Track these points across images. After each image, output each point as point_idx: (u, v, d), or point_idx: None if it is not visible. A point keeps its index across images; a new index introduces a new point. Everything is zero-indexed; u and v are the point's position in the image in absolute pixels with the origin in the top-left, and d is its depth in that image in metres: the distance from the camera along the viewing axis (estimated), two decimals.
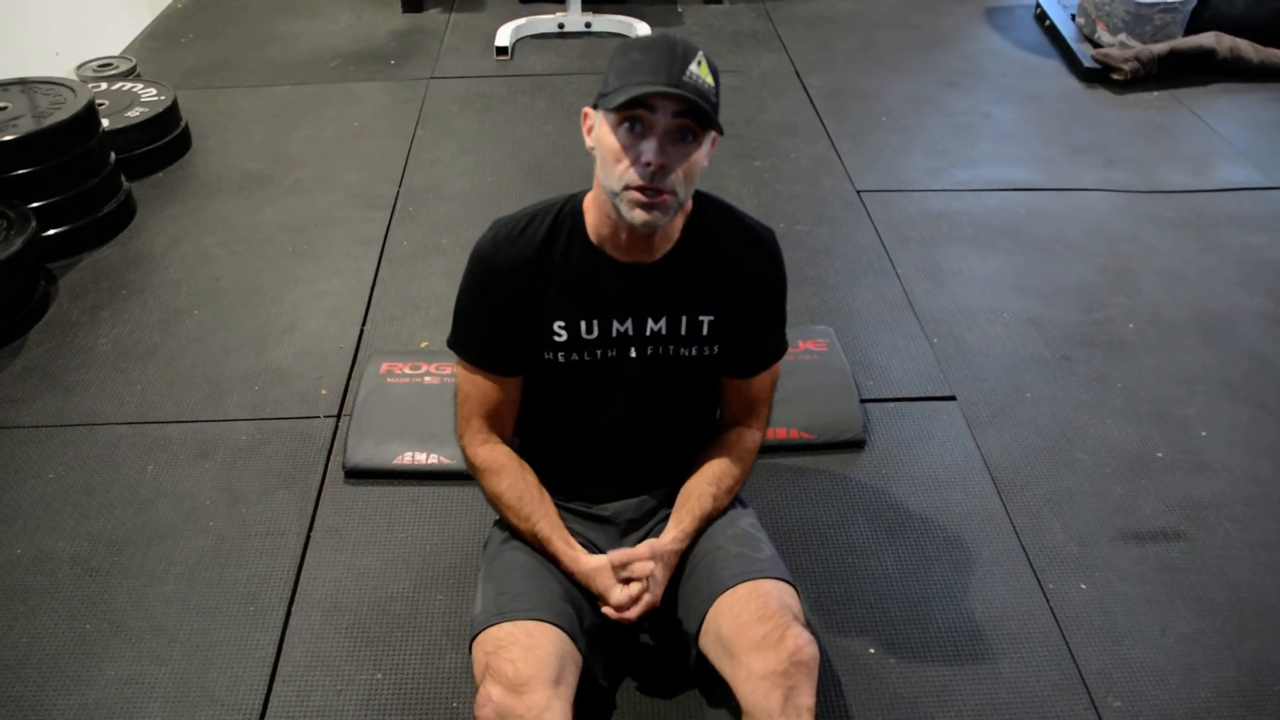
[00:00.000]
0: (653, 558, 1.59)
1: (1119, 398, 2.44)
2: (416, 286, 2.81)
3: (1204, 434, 2.34)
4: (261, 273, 2.86)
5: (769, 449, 2.23)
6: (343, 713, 1.72)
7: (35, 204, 2.79)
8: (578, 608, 1.60)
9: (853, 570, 1.99)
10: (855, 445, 2.28)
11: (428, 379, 2.34)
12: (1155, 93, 4.00)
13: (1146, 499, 2.17)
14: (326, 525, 2.08)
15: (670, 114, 1.36)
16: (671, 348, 1.63)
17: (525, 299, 1.57)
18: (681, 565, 1.66)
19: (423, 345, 2.57)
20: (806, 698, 1.43)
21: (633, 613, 1.58)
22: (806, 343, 2.45)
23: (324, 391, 2.43)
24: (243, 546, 2.03)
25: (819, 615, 1.89)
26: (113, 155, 3.09)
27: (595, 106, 1.45)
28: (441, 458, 2.17)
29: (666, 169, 1.38)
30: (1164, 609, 1.93)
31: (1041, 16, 4.66)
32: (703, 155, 1.44)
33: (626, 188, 1.40)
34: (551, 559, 1.63)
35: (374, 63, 4.26)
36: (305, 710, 1.72)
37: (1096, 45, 4.24)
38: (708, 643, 1.56)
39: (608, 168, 1.43)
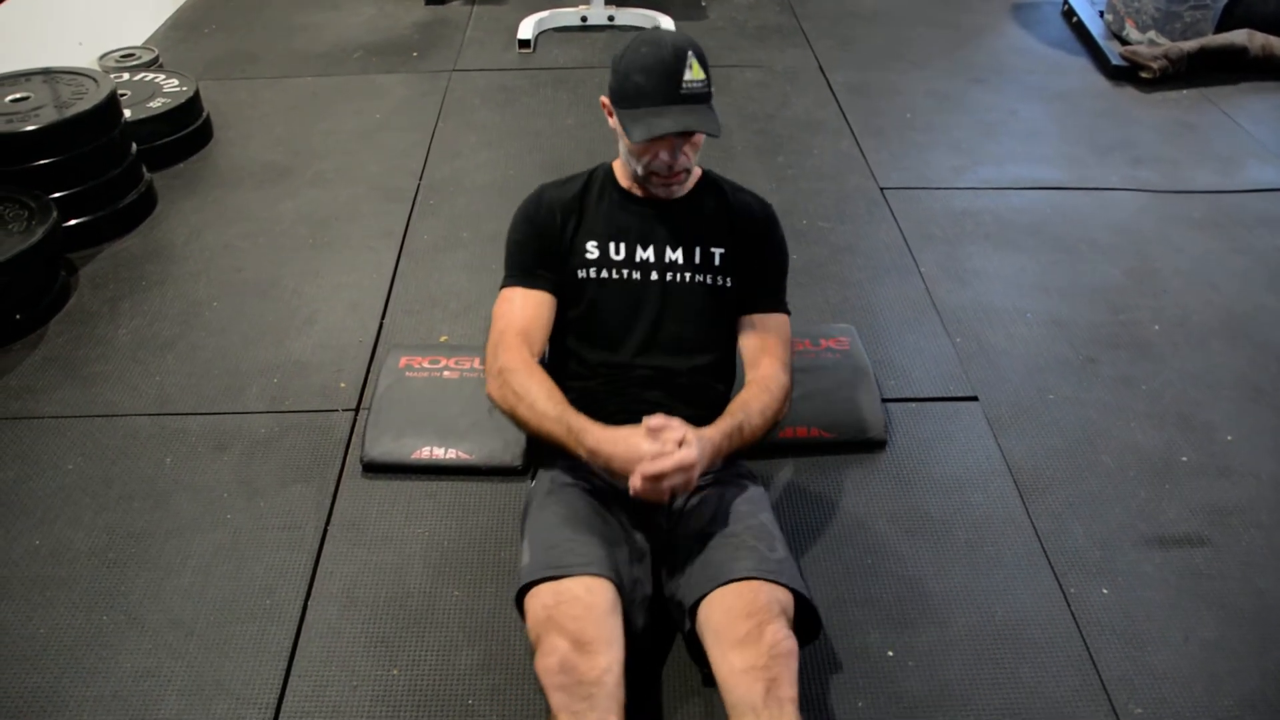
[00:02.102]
0: (692, 439, 1.61)
1: (1144, 400, 2.41)
2: (436, 280, 2.80)
3: (1230, 438, 2.31)
4: (281, 265, 2.87)
5: (789, 448, 2.22)
6: (358, 709, 1.71)
7: (57, 194, 2.80)
8: (619, 554, 1.67)
9: (872, 571, 1.97)
10: (876, 445, 2.25)
11: (447, 373, 2.34)
12: (1184, 91, 3.95)
13: (1170, 503, 2.14)
14: (344, 519, 2.07)
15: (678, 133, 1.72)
16: (688, 275, 1.87)
17: (565, 225, 1.87)
18: (698, 537, 1.71)
19: (442, 339, 2.57)
20: (789, 688, 1.48)
21: (663, 478, 1.56)
22: (828, 341, 2.43)
23: (343, 385, 2.42)
24: (260, 540, 2.03)
25: (838, 616, 1.87)
26: (134, 146, 3.10)
27: (610, 100, 1.81)
28: (460, 452, 2.17)
29: (682, 157, 1.78)
30: (1187, 615, 1.91)
31: (1069, 13, 4.61)
32: (693, 159, 1.83)
33: (649, 174, 1.81)
34: (586, 453, 1.65)
35: (396, 55, 4.26)
36: (320, 706, 1.72)
37: (1125, 42, 4.19)
38: (700, 628, 1.61)
39: (631, 157, 1.81)
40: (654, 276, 1.87)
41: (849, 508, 2.11)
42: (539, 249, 1.86)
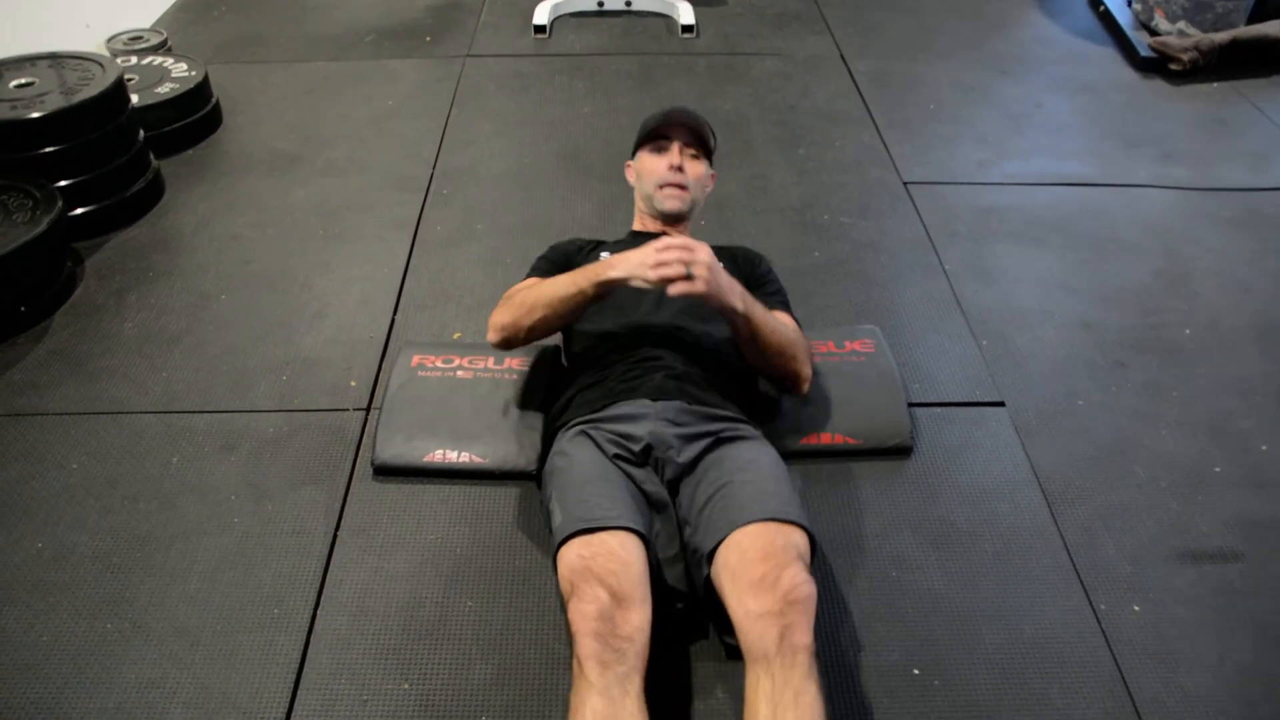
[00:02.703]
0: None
1: (1175, 408, 2.34)
2: (450, 274, 2.74)
3: (1264, 448, 2.24)
4: (291, 257, 2.81)
5: (814, 454, 2.16)
6: None
7: (62, 182, 2.75)
8: (645, 509, 1.75)
9: (897, 585, 1.92)
10: (902, 452, 2.19)
11: (460, 373, 2.28)
12: (1215, 84, 3.85)
13: (1203, 516, 2.08)
14: (354, 524, 2.02)
15: (682, 140, 2.23)
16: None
17: (584, 246, 2.23)
18: (714, 485, 1.75)
19: (455, 336, 2.51)
20: (803, 635, 1.49)
21: (671, 252, 1.76)
22: (853, 343, 2.37)
23: (353, 383, 2.37)
24: (268, 545, 1.97)
25: (862, 631, 1.82)
26: (141, 132, 3.04)
27: (632, 157, 2.33)
28: (473, 456, 2.11)
29: (684, 170, 2.20)
30: (1222, 635, 1.85)
31: (1096, 2, 4.51)
32: (706, 173, 2.28)
33: (660, 186, 2.21)
34: (603, 271, 1.84)
35: (409, 39, 4.18)
36: None
37: (1154, 33, 4.09)
38: (717, 573, 1.63)
39: (645, 178, 2.26)
40: None
41: (873, 518, 2.05)
42: (558, 259, 2.15)
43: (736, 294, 1.85)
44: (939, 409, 2.32)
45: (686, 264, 1.76)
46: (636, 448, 1.82)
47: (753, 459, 1.80)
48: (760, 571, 1.54)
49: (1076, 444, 2.25)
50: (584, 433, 1.86)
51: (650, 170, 2.23)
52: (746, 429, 1.91)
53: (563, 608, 1.63)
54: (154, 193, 3.03)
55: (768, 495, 1.69)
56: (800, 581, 1.53)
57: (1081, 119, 3.62)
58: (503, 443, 2.13)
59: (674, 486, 1.84)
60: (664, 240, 1.82)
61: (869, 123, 3.54)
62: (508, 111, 3.60)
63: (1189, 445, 2.24)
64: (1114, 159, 3.35)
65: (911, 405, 2.30)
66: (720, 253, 2.13)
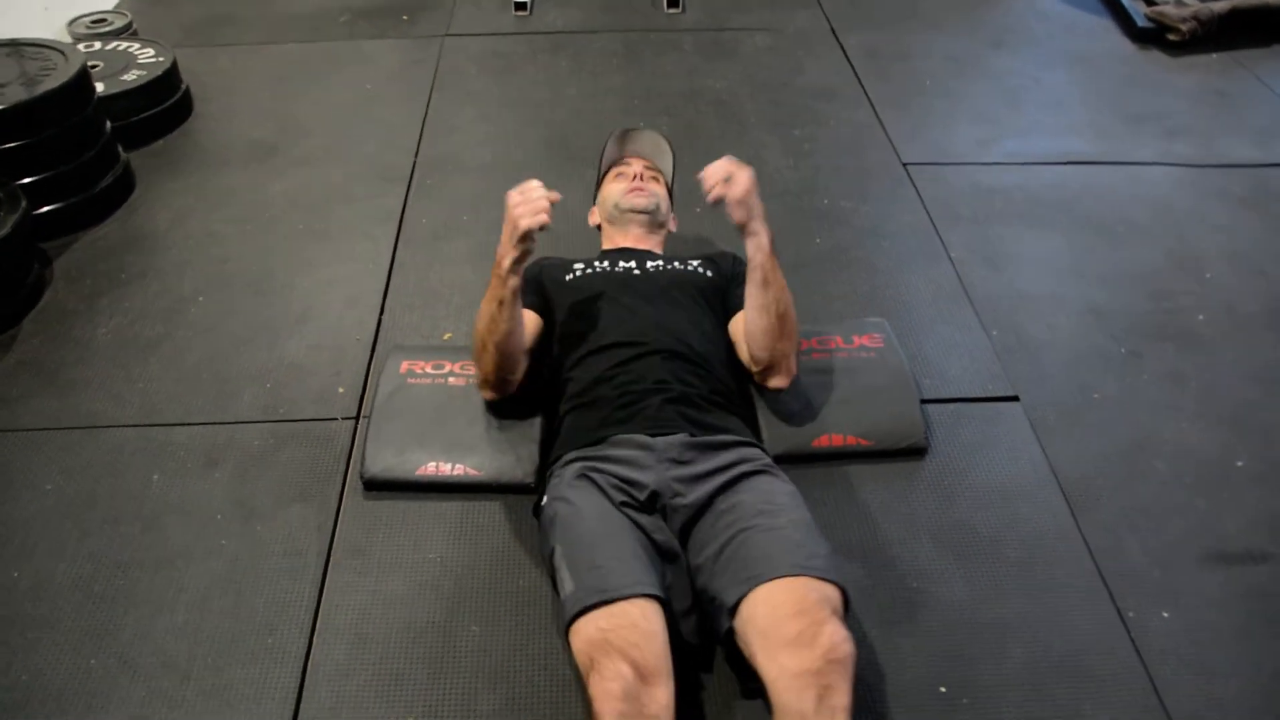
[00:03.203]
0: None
1: (1194, 399, 2.27)
2: (437, 271, 2.62)
3: None
4: (271, 255, 2.68)
5: (824, 457, 2.07)
6: None
7: (26, 180, 2.61)
8: (659, 567, 1.63)
9: (919, 597, 1.84)
10: (916, 453, 2.11)
11: (452, 379, 2.17)
12: (1215, 55, 3.76)
13: (1230, 515, 2.01)
14: (348, 544, 1.92)
15: (642, 165, 2.35)
16: (669, 266, 2.14)
17: (554, 262, 2.21)
18: (736, 530, 1.63)
19: (445, 337, 2.40)
20: (842, 697, 1.41)
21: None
22: (861, 338, 2.28)
23: (341, 390, 2.26)
24: (258, 569, 1.87)
25: (884, 648, 1.74)
26: (108, 124, 2.90)
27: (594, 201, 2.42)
28: (468, 468, 2.01)
29: (645, 179, 2.30)
30: (1256, 642, 1.78)
31: None
32: (666, 200, 2.33)
33: (621, 199, 2.27)
34: (507, 292, 1.84)
35: (385, 18, 4.02)
36: None
37: (1151, 2, 3.99)
38: (743, 627, 1.53)
39: (607, 200, 2.31)
40: (636, 271, 2.11)
41: (890, 525, 1.97)
42: (528, 282, 2.04)
43: (766, 228, 1.89)
44: (951, 405, 2.24)
45: (728, 175, 1.85)
46: (642, 495, 1.71)
47: (769, 499, 1.69)
48: (796, 629, 1.44)
49: (1095, 440, 2.17)
50: (585, 475, 1.74)
51: (611, 192, 2.29)
52: (754, 454, 1.81)
53: (577, 677, 1.54)
54: (124, 188, 2.89)
55: (794, 545, 1.59)
56: (840, 640, 1.44)
57: (1079, 93, 3.52)
58: (498, 454, 2.03)
59: (684, 531, 1.73)
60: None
61: (864, 100, 3.43)
62: (490, 94, 3.47)
63: (1210, 439, 2.18)
64: (1116, 135, 3.26)
65: (924, 402, 2.21)
66: (697, 259, 2.20)
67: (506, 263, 1.82)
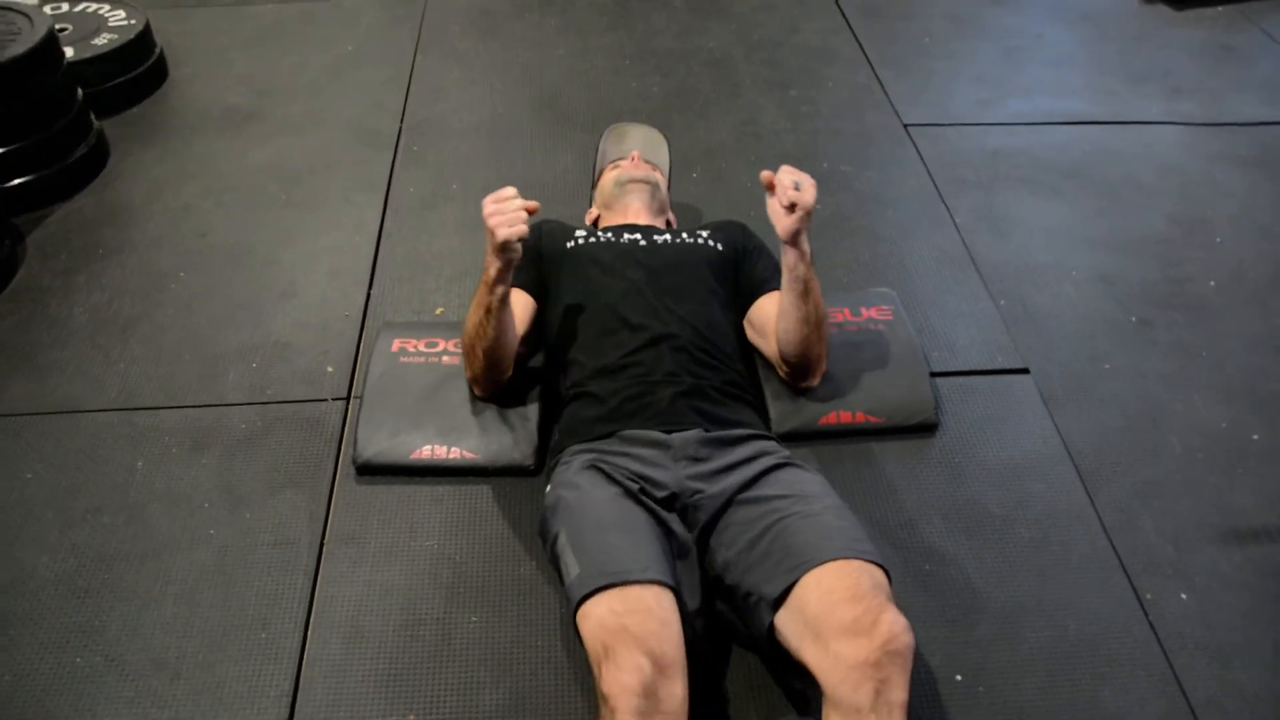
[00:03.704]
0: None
1: (1205, 369, 2.22)
2: (427, 241, 2.53)
3: None
4: (252, 227, 2.58)
5: (833, 434, 2.02)
6: None
7: None
8: (671, 558, 1.55)
9: (931, 579, 1.79)
10: (926, 429, 2.05)
11: (446, 358, 2.10)
12: (1220, 8, 3.67)
13: (1245, 491, 1.97)
14: (341, 532, 1.86)
15: (639, 155, 2.29)
16: (678, 239, 2.05)
17: (553, 228, 2.12)
18: (764, 517, 1.55)
19: (438, 312, 2.32)
20: (900, 692, 1.32)
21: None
22: (869, 310, 2.21)
23: (330, 369, 2.18)
24: (248, 560, 1.81)
25: None
26: (80, 91, 2.78)
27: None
28: (464, 451, 1.94)
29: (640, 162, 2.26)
30: (1273, 623, 1.75)
31: None
32: (664, 188, 2.28)
33: (619, 174, 2.21)
34: (494, 299, 1.77)
35: None
36: None
37: None
38: (789, 618, 1.44)
39: (606, 185, 2.24)
40: (642, 243, 2.02)
41: (900, 504, 1.92)
42: (530, 259, 1.97)
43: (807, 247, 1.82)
44: (960, 379, 2.18)
45: (797, 182, 1.73)
46: (661, 494, 1.62)
47: (800, 488, 1.61)
48: (852, 614, 1.35)
49: (1107, 413, 2.12)
50: (594, 465, 1.65)
51: (610, 176, 2.25)
52: (772, 447, 1.73)
53: (583, 668, 1.48)
54: (98, 158, 2.78)
55: (836, 530, 1.50)
56: (901, 629, 1.34)
57: (1083, 51, 3.43)
58: (495, 435, 1.96)
59: (705, 531, 1.63)
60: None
61: (862, 60, 3.33)
62: (476, 55, 3.35)
63: (1223, 411, 2.12)
64: (1121, 94, 3.18)
65: (933, 375, 2.15)
66: (706, 229, 2.12)
67: (491, 272, 1.74)
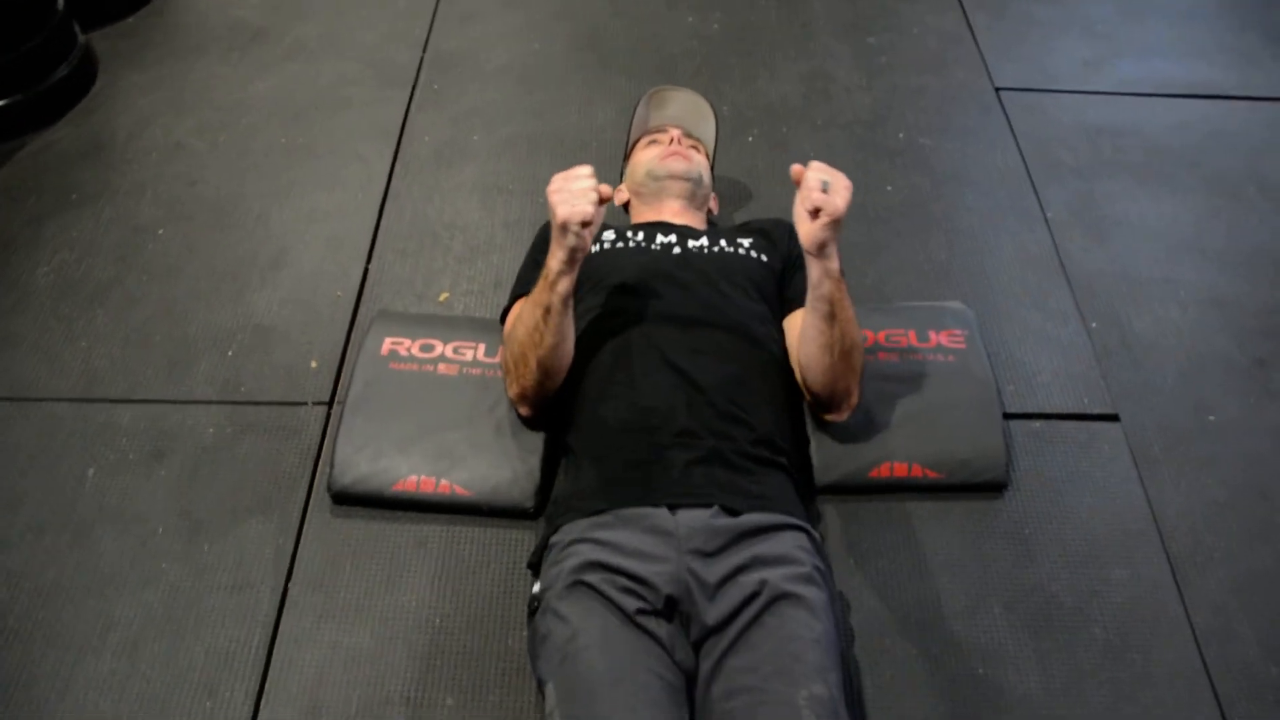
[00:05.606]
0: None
1: None
2: (438, 205, 2.23)
3: None
4: (246, 176, 2.30)
5: (882, 490, 1.73)
6: None
7: None
8: (677, 695, 1.31)
9: (985, 686, 1.53)
10: (994, 489, 1.76)
11: (442, 367, 1.82)
12: None
13: None
14: (308, 575, 1.62)
15: (679, 134, 1.96)
16: (716, 248, 1.77)
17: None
18: (747, 684, 1.29)
19: (441, 298, 2.04)
20: None
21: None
22: (938, 335, 1.88)
23: (314, 364, 1.92)
24: (201, 605, 1.59)
25: None
26: None
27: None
28: (456, 486, 1.68)
29: (682, 143, 1.93)
30: None
31: None
32: (708, 173, 1.96)
33: (655, 165, 1.90)
34: (556, 300, 1.51)
35: None
36: None
37: None
38: None
39: (638, 169, 1.94)
40: (676, 250, 1.76)
41: (956, 585, 1.64)
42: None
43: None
44: (1038, 422, 1.87)
45: (825, 183, 1.41)
46: (659, 602, 1.35)
47: (794, 650, 1.30)
48: None
49: (1207, 480, 1.80)
50: (584, 584, 1.36)
51: (642, 159, 1.95)
52: (793, 550, 1.41)
53: None
54: (82, 79, 2.49)
55: None
56: None
57: (1217, 3, 2.96)
58: (492, 469, 1.70)
59: (698, 641, 1.37)
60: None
61: (954, 1, 2.90)
62: None
63: None
64: (1258, 60, 2.72)
65: (1006, 417, 1.85)
66: (749, 236, 1.84)
67: (553, 264, 1.49)
